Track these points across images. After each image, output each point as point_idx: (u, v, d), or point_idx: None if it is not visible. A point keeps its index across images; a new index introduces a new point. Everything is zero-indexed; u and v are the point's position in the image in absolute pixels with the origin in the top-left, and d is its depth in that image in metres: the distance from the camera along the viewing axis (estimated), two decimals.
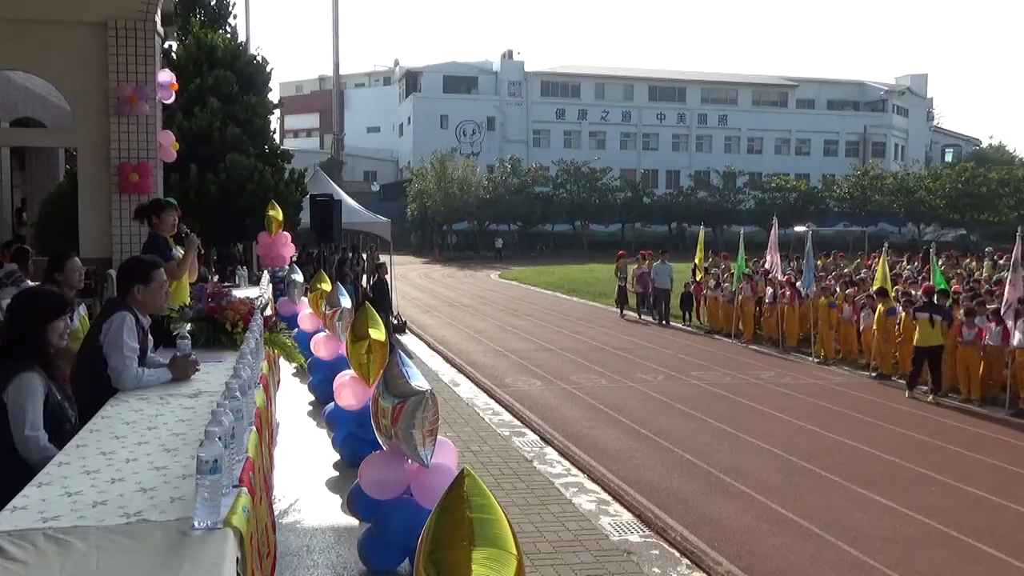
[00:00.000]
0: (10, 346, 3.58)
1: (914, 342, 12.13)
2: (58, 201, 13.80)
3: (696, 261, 20.30)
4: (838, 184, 57.91)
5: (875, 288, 14.10)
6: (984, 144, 77.32)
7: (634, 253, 24.51)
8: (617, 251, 26.26)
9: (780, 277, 17.02)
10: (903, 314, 12.90)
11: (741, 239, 18.50)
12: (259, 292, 8.86)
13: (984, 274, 20.78)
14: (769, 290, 16.92)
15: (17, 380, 3.43)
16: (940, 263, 16.66)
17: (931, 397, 11.85)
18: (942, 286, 13.07)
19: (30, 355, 3.53)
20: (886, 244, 15.55)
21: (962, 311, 12.18)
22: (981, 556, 6.33)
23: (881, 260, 14.25)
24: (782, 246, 17.89)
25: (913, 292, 14.23)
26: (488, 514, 2.61)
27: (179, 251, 6.48)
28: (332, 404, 7.08)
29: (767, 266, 17.94)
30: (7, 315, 3.73)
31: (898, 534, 6.69)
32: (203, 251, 8.31)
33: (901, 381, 13.00)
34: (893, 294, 14.01)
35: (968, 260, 25.42)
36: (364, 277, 19.84)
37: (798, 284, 16.22)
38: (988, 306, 12.12)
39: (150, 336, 4.72)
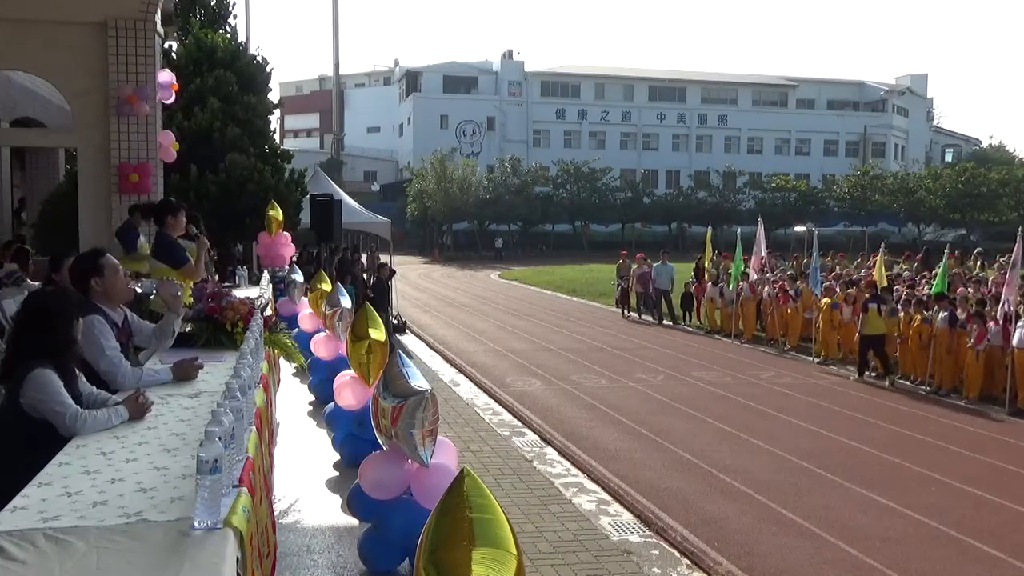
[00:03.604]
0: (28, 347, 3.52)
1: (861, 331, 13.13)
2: (58, 201, 13.80)
3: (706, 263, 20.19)
4: (838, 184, 57.89)
5: (880, 288, 14.09)
6: (984, 144, 77.30)
7: (634, 253, 24.48)
8: (620, 251, 26.26)
9: (763, 277, 16.94)
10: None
11: (739, 239, 18.48)
12: (259, 292, 8.86)
13: (974, 273, 20.69)
14: (766, 289, 16.94)
15: (31, 377, 3.40)
16: (952, 268, 16.70)
17: (888, 382, 12.72)
18: (940, 289, 13.03)
19: (46, 355, 3.49)
20: (883, 244, 15.55)
21: (960, 311, 12.20)
22: (981, 556, 6.33)
23: (879, 260, 14.25)
24: (782, 246, 17.78)
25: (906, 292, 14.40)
26: (488, 514, 2.61)
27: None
28: (332, 404, 7.09)
29: (750, 270, 17.79)
30: (27, 315, 3.69)
31: (898, 534, 6.69)
32: (214, 255, 8.39)
33: (903, 381, 13.02)
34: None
35: (970, 260, 25.32)
36: (365, 276, 19.83)
37: (804, 285, 16.20)
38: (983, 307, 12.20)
39: (135, 322, 4.71)
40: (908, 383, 12.93)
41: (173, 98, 11.24)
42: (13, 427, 3.41)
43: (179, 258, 6.34)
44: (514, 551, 2.55)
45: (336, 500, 6.08)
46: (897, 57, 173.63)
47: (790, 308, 16.10)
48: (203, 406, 3.84)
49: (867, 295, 13.54)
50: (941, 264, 13.66)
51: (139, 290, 5.32)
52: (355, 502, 5.09)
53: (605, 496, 7.33)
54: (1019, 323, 11.16)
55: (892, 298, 13.69)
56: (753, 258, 17.58)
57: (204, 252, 6.56)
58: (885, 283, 13.87)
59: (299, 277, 12.06)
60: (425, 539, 2.60)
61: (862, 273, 19.12)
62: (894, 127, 69.64)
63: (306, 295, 11.51)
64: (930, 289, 14.00)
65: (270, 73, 18.38)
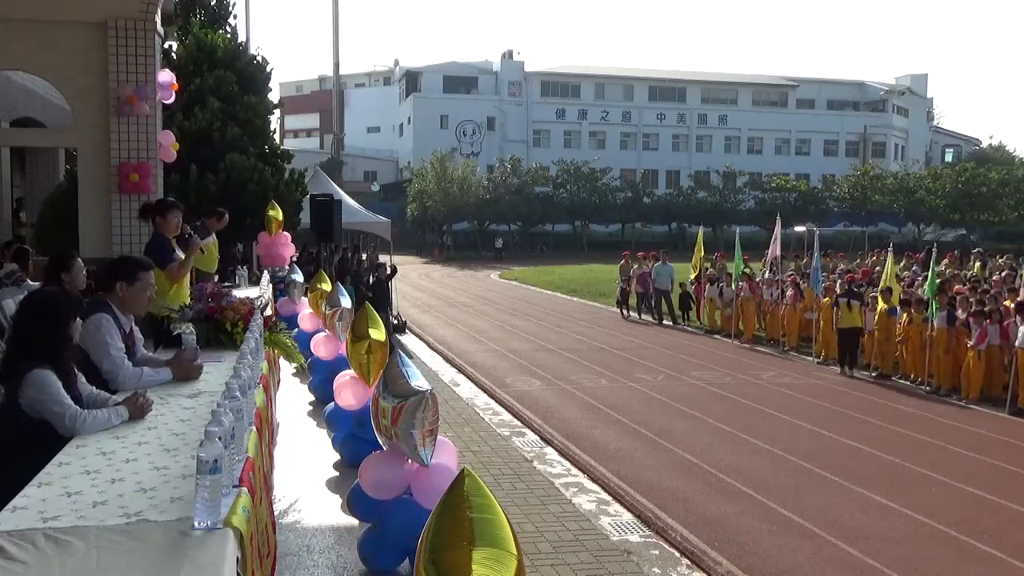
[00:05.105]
0: (26, 347, 3.53)
1: (837, 324, 13.73)
2: (58, 201, 13.78)
3: (695, 260, 20.15)
4: (838, 184, 57.89)
5: (881, 287, 14.08)
6: (984, 144, 77.33)
7: (634, 253, 24.47)
8: (622, 252, 26.24)
9: (775, 277, 16.95)
10: (827, 299, 14.71)
11: (738, 239, 18.47)
12: (259, 292, 8.86)
13: (972, 274, 20.60)
14: (766, 288, 16.94)
15: (30, 377, 3.40)
16: (943, 265, 16.69)
17: (840, 371, 13.58)
18: (931, 292, 12.99)
19: (44, 355, 3.50)
20: (891, 244, 15.58)
21: (961, 311, 12.20)
22: (981, 556, 6.33)
23: (889, 260, 14.26)
24: (782, 246, 17.75)
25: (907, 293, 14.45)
26: (488, 514, 2.61)
27: (180, 254, 6.48)
28: (332, 404, 7.09)
29: (762, 268, 17.84)
30: (25, 316, 3.69)
31: (898, 534, 6.69)
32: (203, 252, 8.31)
33: (903, 381, 13.03)
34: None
35: (972, 261, 25.27)
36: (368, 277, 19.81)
37: (805, 284, 16.20)
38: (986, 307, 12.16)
39: (138, 336, 4.70)
40: (908, 383, 12.94)
41: (173, 98, 11.23)
42: (13, 427, 3.41)
43: (165, 258, 6.29)
44: (514, 551, 2.55)
45: (336, 500, 6.08)
46: (897, 57, 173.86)
47: (787, 307, 16.08)
48: (203, 406, 3.84)
49: (844, 290, 13.98)
50: (931, 265, 13.52)
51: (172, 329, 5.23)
52: (355, 502, 5.09)
53: (605, 496, 7.33)
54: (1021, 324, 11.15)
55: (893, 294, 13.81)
56: (768, 254, 17.64)
57: (194, 253, 6.53)
58: (894, 282, 13.91)
59: (299, 277, 12.06)
60: (425, 539, 2.60)
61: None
62: (894, 127, 69.65)
63: (306, 295, 11.51)
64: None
65: (270, 73, 18.36)
